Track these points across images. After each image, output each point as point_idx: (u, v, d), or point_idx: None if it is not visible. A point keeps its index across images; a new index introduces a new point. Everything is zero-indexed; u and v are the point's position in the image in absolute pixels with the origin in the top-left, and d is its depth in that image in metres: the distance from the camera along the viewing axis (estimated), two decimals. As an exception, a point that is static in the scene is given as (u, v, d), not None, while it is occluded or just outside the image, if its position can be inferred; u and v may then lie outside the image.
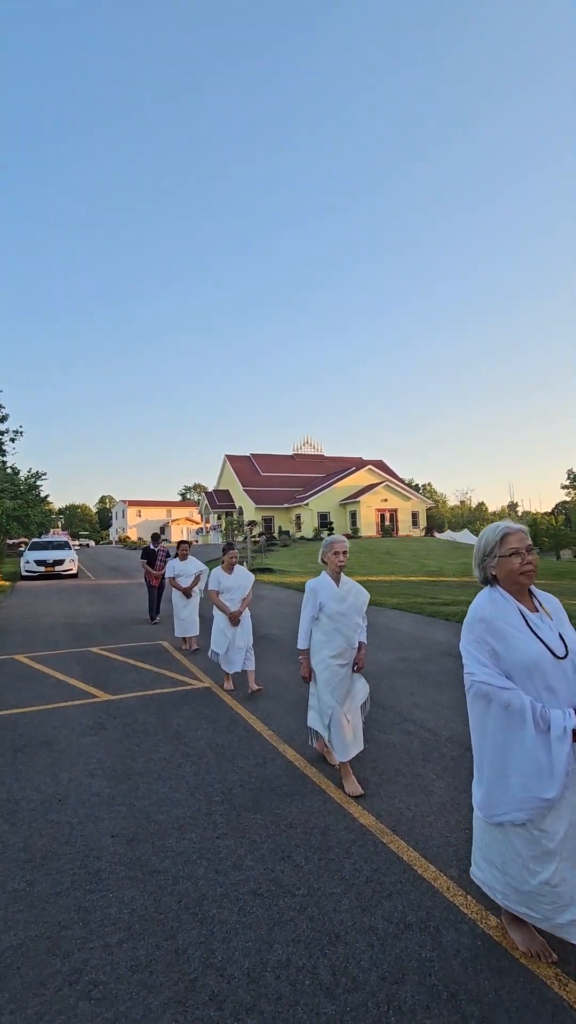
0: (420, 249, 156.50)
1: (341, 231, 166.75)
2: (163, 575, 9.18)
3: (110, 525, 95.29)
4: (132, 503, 75.89)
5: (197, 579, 7.77)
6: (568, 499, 79.99)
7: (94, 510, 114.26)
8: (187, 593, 7.68)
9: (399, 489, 45.51)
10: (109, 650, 7.72)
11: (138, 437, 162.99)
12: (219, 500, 51.53)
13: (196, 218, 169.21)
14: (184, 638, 7.78)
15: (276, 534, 41.27)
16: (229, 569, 5.79)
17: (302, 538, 41.49)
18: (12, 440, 20.61)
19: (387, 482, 45.28)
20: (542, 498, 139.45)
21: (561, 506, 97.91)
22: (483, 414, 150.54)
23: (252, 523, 37.80)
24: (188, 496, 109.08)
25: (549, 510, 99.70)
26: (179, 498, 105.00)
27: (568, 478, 68.68)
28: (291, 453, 55.50)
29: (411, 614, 10.83)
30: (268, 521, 44.39)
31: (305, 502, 43.58)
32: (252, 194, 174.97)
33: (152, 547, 9.69)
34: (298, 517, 44.86)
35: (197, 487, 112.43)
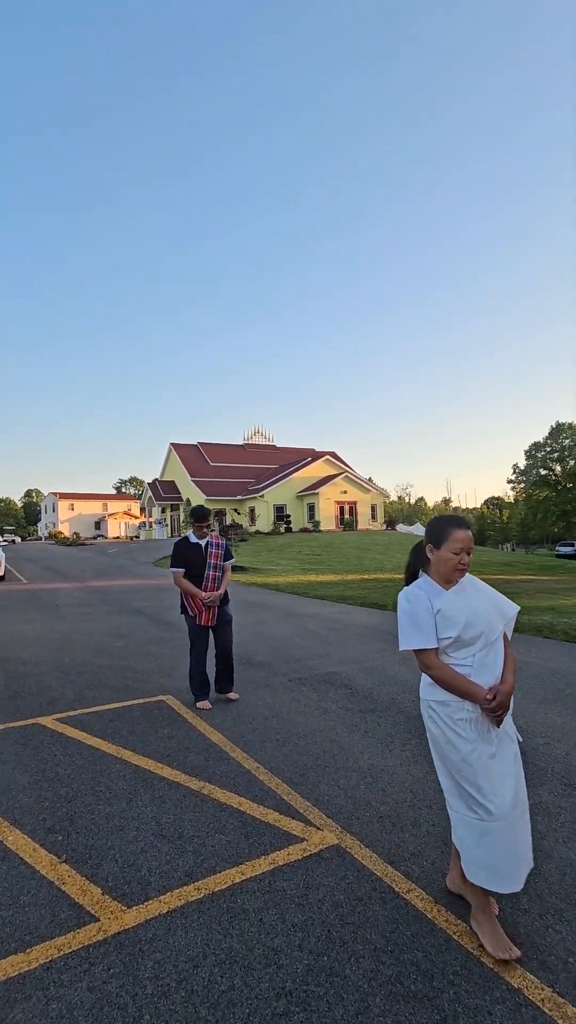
0: (370, 234, 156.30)
1: (289, 220, 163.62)
2: (215, 601, 4.60)
3: (38, 520, 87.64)
4: (64, 496, 69.47)
5: (509, 651, 2.08)
6: (509, 493, 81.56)
7: (19, 504, 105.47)
8: (497, 714, 1.93)
9: (358, 481, 43.40)
10: (79, 723, 4.31)
11: (67, 427, 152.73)
12: (164, 492, 47.34)
13: (143, 205, 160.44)
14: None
15: (229, 527, 37.76)
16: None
17: (258, 532, 38.33)
18: None
19: (346, 473, 43.09)
20: (477, 493, 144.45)
21: (491, 500, 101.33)
22: (421, 410, 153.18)
23: (220, 512, 34.14)
24: (124, 489, 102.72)
25: (479, 504, 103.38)
26: (114, 491, 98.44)
27: (514, 472, 69.37)
28: (241, 443, 52.14)
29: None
30: (220, 514, 40.78)
31: (260, 494, 40.43)
32: (208, 179, 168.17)
33: (194, 538, 4.66)
34: (252, 510, 41.65)
35: (133, 480, 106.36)
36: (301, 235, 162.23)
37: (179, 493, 46.12)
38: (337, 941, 1.97)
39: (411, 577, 2.21)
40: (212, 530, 4.83)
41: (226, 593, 4.76)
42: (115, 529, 66.18)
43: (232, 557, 4.86)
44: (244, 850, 2.54)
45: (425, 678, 2.12)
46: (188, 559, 4.61)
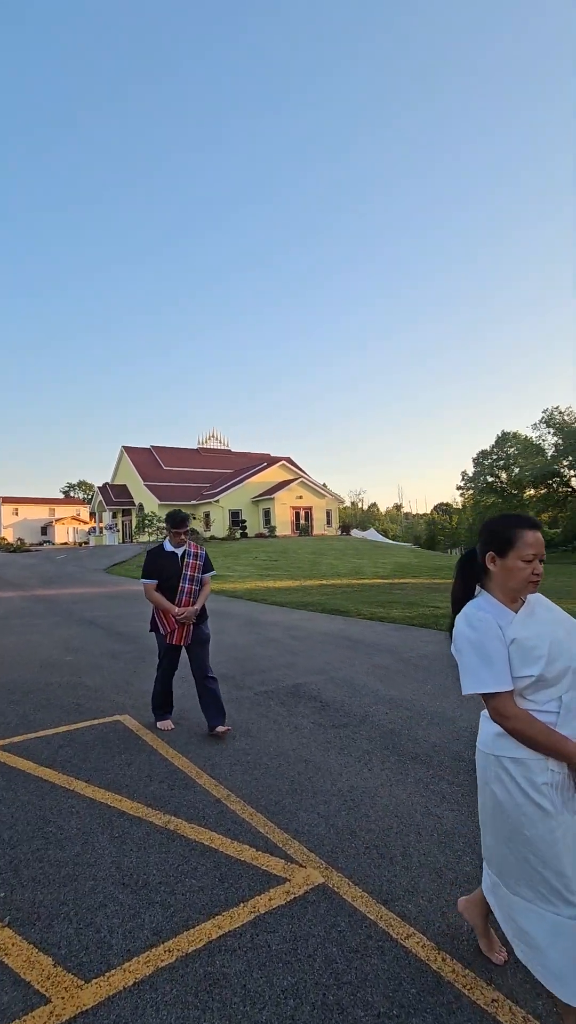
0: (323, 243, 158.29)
1: (239, 232, 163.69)
2: (191, 617, 4.03)
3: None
4: (7, 500, 66.30)
5: None
6: (458, 499, 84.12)
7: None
8: None
9: (313, 486, 43.53)
10: (24, 751, 3.87)
11: (12, 429, 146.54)
12: (115, 496, 45.95)
13: (105, 209, 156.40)
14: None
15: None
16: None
17: (212, 537, 37.79)
18: None
19: (301, 479, 43.19)
20: (428, 499, 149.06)
21: (440, 506, 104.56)
22: (373, 418, 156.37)
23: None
24: (73, 494, 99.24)
25: (429, 510, 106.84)
26: (61, 495, 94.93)
27: (462, 479, 71.57)
28: (196, 447, 51.46)
29: (441, 632, 7.96)
30: (176, 519, 39.89)
31: (216, 498, 39.92)
32: (166, 184, 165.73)
33: (169, 547, 4.13)
34: (207, 515, 40.99)
35: (83, 484, 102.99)
36: (262, 241, 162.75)
37: (131, 498, 44.91)
38: (334, 1007, 1.72)
39: (463, 598, 1.74)
40: (191, 532, 4.35)
41: (204, 609, 4.19)
42: (63, 535, 63.72)
43: (212, 569, 4.27)
44: (220, 897, 2.24)
45: (490, 725, 1.66)
46: (162, 569, 4.04)
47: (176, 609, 3.99)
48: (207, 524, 40.47)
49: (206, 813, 2.93)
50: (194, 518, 36.77)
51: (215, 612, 10.35)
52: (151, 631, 4.22)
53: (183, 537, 4.10)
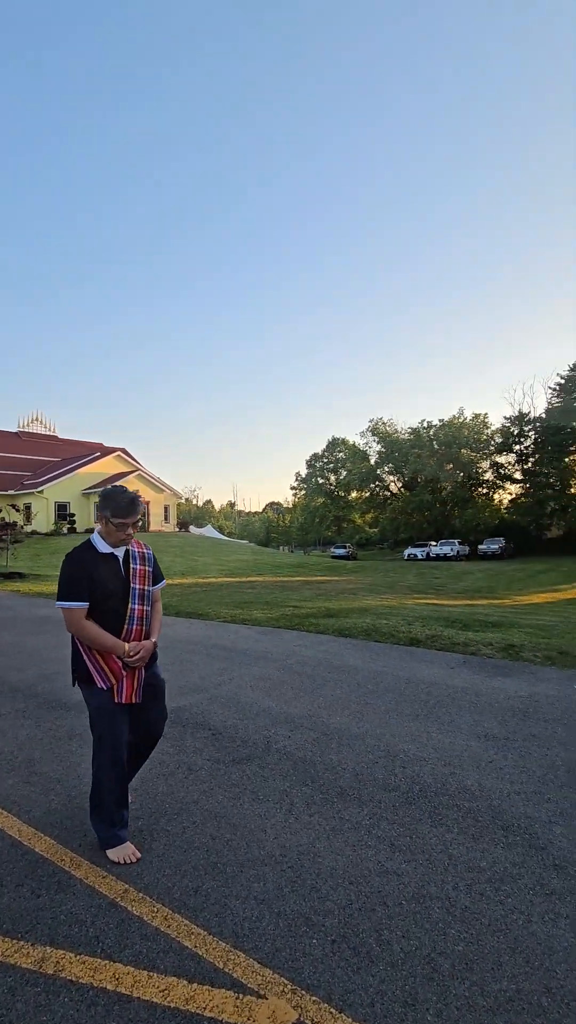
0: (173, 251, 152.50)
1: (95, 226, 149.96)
2: (146, 657, 2.52)
3: None
4: None
5: None
6: (290, 499, 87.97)
7: None
8: None
9: (151, 480, 41.65)
10: None
11: None
12: None
13: None
14: None
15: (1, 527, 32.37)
16: None
17: (35, 532, 33.84)
18: None
19: (138, 471, 41.09)
20: (260, 498, 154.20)
21: (272, 505, 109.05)
22: (208, 414, 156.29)
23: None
24: None
25: (261, 508, 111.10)
26: None
27: (296, 480, 74.91)
28: (15, 430, 45.71)
29: (310, 634, 7.78)
30: (-11, 511, 34.76)
31: (40, 489, 35.87)
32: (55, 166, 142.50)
33: (105, 546, 2.50)
34: (28, 507, 36.42)
35: None
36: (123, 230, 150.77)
37: None
38: None
39: None
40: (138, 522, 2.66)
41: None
42: None
43: (163, 578, 2.82)
44: None
45: None
46: (97, 584, 2.44)
47: (126, 646, 2.47)
48: (28, 517, 35.98)
49: (100, 929, 2.05)
50: (16, 509, 32.48)
51: (49, 620, 8.80)
52: (76, 684, 2.57)
53: (132, 532, 2.54)
